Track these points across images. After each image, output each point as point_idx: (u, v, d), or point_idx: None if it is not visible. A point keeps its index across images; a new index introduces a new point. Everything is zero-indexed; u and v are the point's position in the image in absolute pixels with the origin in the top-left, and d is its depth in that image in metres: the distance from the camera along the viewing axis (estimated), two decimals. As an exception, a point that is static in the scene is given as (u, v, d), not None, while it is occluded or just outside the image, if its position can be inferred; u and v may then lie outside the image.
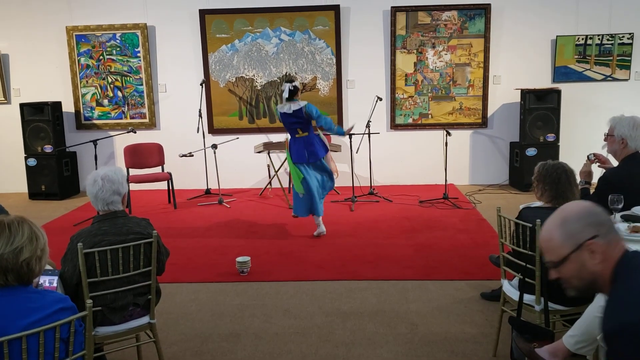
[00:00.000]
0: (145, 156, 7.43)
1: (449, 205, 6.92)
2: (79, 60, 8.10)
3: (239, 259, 4.83)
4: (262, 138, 8.01)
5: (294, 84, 5.61)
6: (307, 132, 5.69)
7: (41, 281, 2.55)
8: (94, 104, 8.21)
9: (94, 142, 6.80)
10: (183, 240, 5.81)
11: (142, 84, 8.11)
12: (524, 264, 3.07)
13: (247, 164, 8.04)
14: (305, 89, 8.02)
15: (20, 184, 8.23)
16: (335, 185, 7.91)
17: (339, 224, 6.24)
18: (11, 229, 2.02)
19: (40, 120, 7.81)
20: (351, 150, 7.18)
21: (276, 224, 6.35)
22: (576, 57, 7.75)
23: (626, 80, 7.79)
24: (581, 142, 7.69)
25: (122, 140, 7.87)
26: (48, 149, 7.85)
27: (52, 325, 1.98)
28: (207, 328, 3.87)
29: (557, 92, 7.51)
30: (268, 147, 7.40)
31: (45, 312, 2.01)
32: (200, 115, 7.63)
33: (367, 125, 7.21)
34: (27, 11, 8.05)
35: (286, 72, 7.93)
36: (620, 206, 3.17)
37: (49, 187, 7.90)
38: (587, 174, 3.80)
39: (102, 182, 2.90)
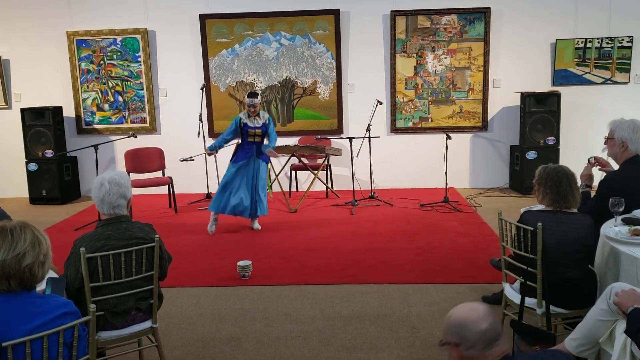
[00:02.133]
0: (145, 161, 7.45)
1: (449, 208, 6.93)
2: (79, 65, 8.12)
3: (240, 263, 4.83)
4: (263, 142, 8.02)
5: None
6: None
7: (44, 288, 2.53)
8: (94, 108, 8.23)
9: (95, 146, 6.81)
10: (184, 245, 5.81)
11: (142, 89, 8.13)
12: (525, 267, 3.07)
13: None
14: (306, 93, 8.05)
15: (21, 189, 8.24)
16: (337, 188, 7.98)
17: (340, 228, 6.25)
18: (13, 234, 2.02)
19: (41, 125, 7.83)
20: (352, 154, 7.18)
21: (277, 227, 6.35)
22: (576, 60, 7.77)
23: (626, 83, 7.81)
24: (581, 145, 7.70)
25: (123, 145, 7.88)
26: (49, 153, 7.86)
27: (55, 329, 1.99)
28: (209, 332, 3.87)
29: (557, 96, 7.52)
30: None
31: (48, 316, 2.01)
32: (200, 120, 7.65)
33: (368, 129, 7.22)
34: (27, 16, 8.07)
35: (286, 77, 7.96)
36: (621, 209, 3.17)
37: (50, 192, 7.91)
38: (587, 177, 3.81)
39: (109, 186, 2.90)
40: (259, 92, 6.07)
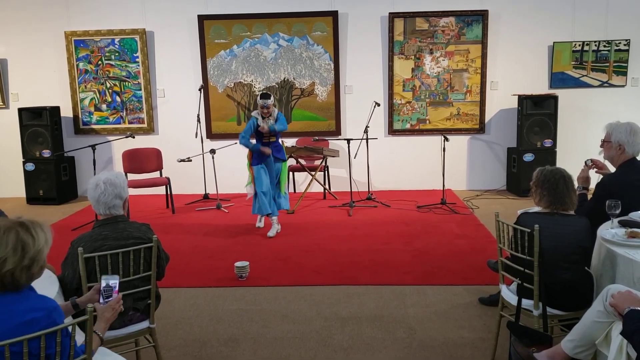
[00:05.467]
0: (143, 161, 7.44)
1: (446, 210, 6.94)
2: (77, 65, 8.11)
3: (238, 264, 4.83)
4: (260, 143, 8.02)
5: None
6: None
7: (103, 284, 2.48)
8: (92, 108, 8.22)
9: (93, 147, 6.80)
10: (181, 245, 5.81)
11: (140, 89, 8.13)
12: (523, 269, 3.08)
13: (245, 169, 8.01)
14: (304, 94, 8.06)
15: (18, 189, 8.23)
16: (334, 190, 7.98)
17: (337, 229, 6.25)
18: None
19: (39, 125, 7.82)
20: (349, 156, 7.19)
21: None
22: (573, 63, 7.80)
23: (622, 86, 7.84)
24: (578, 148, 7.73)
25: (121, 145, 7.87)
26: (46, 153, 7.85)
27: (24, 337, 1.89)
28: (206, 333, 3.87)
29: (554, 98, 7.55)
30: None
31: (13, 321, 1.93)
32: (198, 120, 7.65)
33: (365, 131, 7.23)
34: (25, 16, 8.06)
35: (284, 78, 7.97)
36: (617, 211, 3.19)
37: (47, 192, 7.90)
38: (584, 179, 3.82)
39: (104, 186, 2.91)
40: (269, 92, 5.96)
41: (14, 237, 1.98)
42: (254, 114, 6.07)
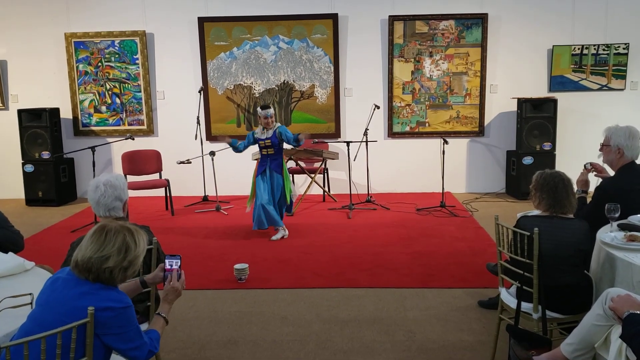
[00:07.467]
0: (143, 163, 7.45)
1: (446, 213, 6.94)
2: (77, 67, 8.12)
3: (237, 266, 4.83)
4: (260, 145, 8.02)
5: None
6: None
7: (167, 265, 2.57)
8: (92, 110, 8.23)
9: (92, 148, 6.80)
10: (181, 247, 5.80)
11: (140, 91, 8.13)
12: (522, 272, 3.09)
13: (245, 171, 8.03)
14: (303, 97, 8.07)
15: (17, 190, 8.22)
16: (334, 192, 7.98)
17: (337, 232, 6.26)
18: (107, 236, 2.14)
19: (38, 126, 7.82)
20: (349, 158, 7.20)
21: (274, 231, 6.35)
22: (572, 66, 7.81)
23: (621, 90, 7.86)
24: (577, 151, 7.73)
25: (120, 147, 7.88)
26: (45, 155, 7.85)
27: (55, 331, 1.98)
28: (205, 335, 3.87)
29: (554, 101, 7.56)
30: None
31: (96, 303, 2.07)
32: (198, 122, 7.65)
33: (365, 133, 7.23)
34: (25, 17, 8.07)
35: (284, 80, 7.98)
36: (616, 215, 3.19)
37: (46, 194, 7.89)
38: (584, 182, 3.83)
39: (104, 188, 2.91)
40: (269, 104, 5.90)
41: (121, 239, 2.17)
42: (256, 129, 6.11)
